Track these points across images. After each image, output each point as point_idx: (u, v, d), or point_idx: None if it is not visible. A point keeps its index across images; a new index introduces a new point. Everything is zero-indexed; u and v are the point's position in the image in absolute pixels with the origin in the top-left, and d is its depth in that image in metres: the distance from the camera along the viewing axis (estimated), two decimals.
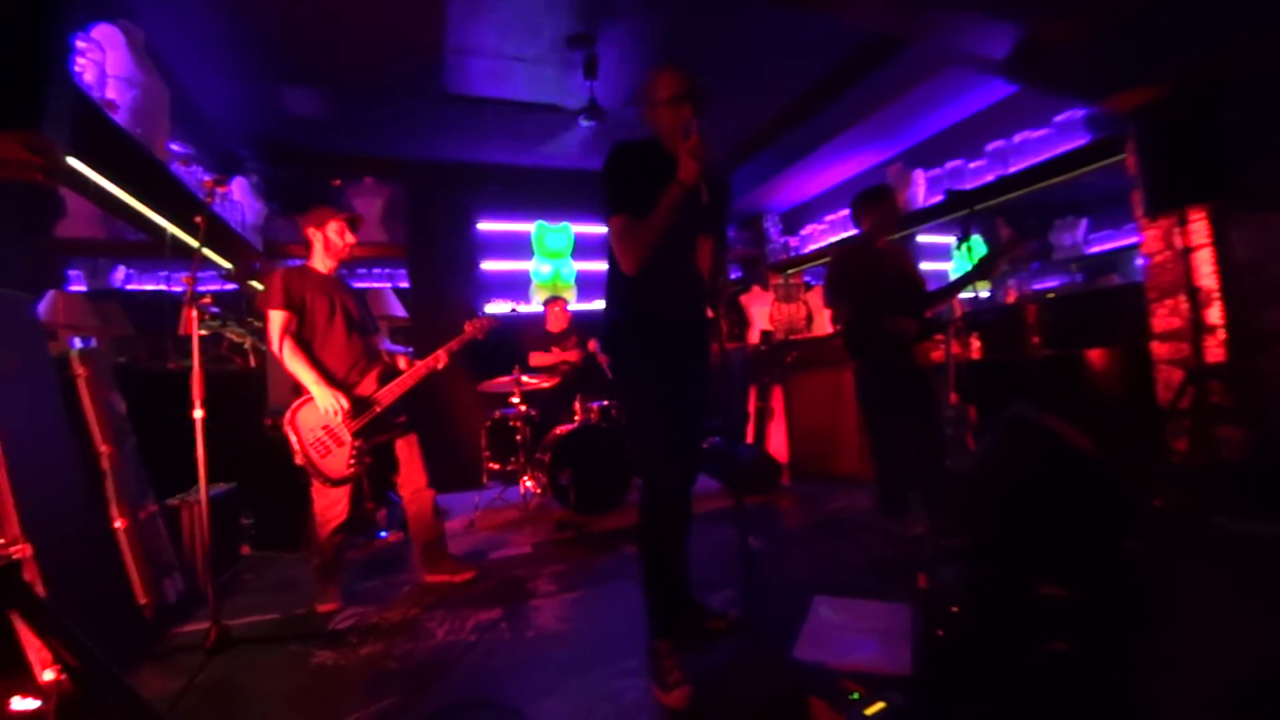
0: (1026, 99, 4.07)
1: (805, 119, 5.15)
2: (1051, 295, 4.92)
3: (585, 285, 6.19)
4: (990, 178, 4.35)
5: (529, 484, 4.15)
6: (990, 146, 4.39)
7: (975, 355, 4.03)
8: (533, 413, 4.25)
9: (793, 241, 6.67)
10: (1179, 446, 2.88)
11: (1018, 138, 4.20)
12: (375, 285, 5.88)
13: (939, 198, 4.84)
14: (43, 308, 3.80)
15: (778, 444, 4.85)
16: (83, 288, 5.30)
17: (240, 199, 4.61)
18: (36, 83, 1.19)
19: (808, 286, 5.92)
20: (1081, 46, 2.99)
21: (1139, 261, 3.33)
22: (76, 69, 2.58)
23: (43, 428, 2.08)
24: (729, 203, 2.16)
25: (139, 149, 2.92)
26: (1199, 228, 2.97)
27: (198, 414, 2.19)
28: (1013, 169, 4.21)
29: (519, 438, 4.16)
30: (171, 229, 3.73)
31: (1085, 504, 1.79)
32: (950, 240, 6.03)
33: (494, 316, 3.02)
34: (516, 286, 6.13)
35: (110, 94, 2.79)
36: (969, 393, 3.27)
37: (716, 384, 2.11)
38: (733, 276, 7.37)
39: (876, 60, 4.25)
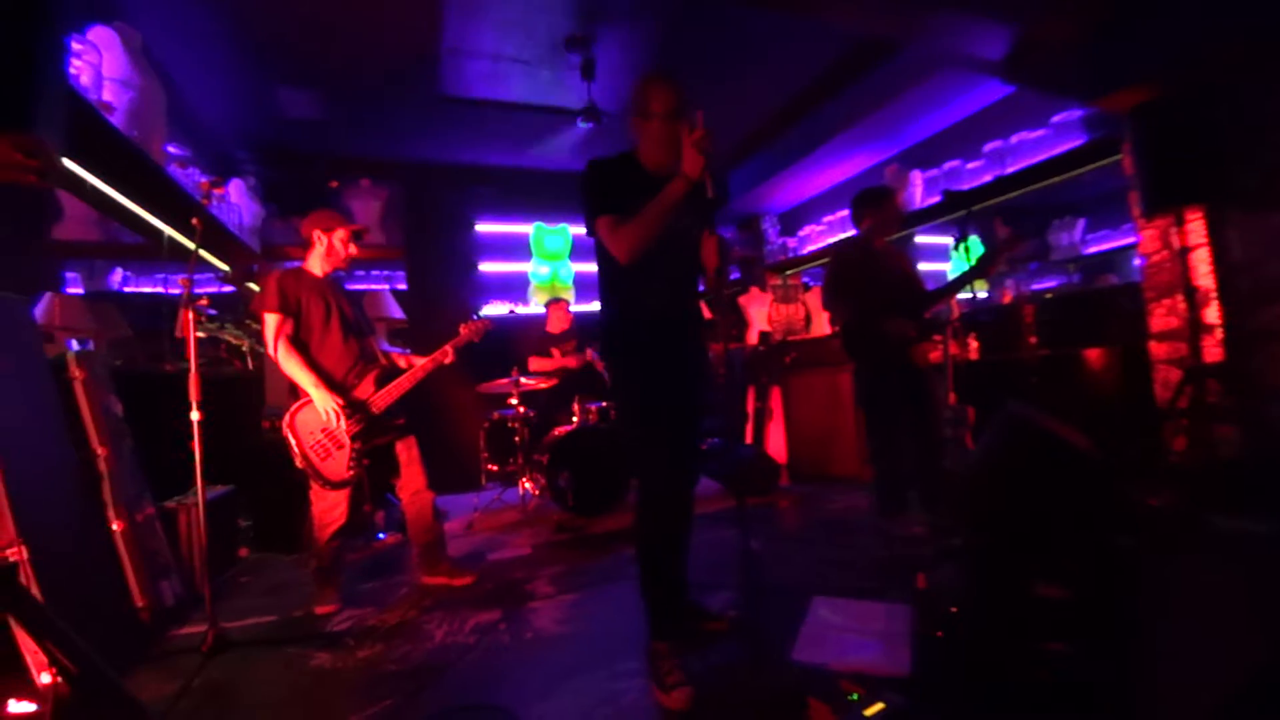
0: (1023, 100, 4.08)
1: (802, 120, 5.16)
2: (1049, 295, 4.93)
3: (583, 286, 6.20)
4: (988, 178, 4.37)
5: (528, 485, 4.15)
6: (987, 147, 4.40)
7: (973, 356, 4.03)
8: (531, 414, 4.25)
9: (791, 242, 6.68)
10: (1177, 446, 2.88)
11: (1015, 138, 4.22)
12: (373, 287, 5.88)
13: (936, 198, 4.84)
14: (39, 310, 3.79)
15: (776, 445, 4.85)
16: (80, 290, 5.29)
17: (237, 201, 4.60)
18: (30, 85, 1.18)
19: (806, 287, 5.93)
20: (1077, 47, 3.00)
21: (1136, 261, 3.33)
22: (73, 71, 2.58)
23: (39, 430, 2.08)
24: (724, 204, 2.17)
25: (135, 151, 2.92)
26: (1196, 228, 2.98)
27: (194, 416, 2.19)
28: (1010, 169, 4.22)
29: (517, 439, 4.16)
30: (168, 231, 3.73)
31: (1083, 504, 1.79)
32: (948, 241, 6.04)
33: (489, 319, 3.01)
34: (515, 288, 6.14)
35: (107, 96, 2.79)
36: (967, 393, 3.27)
37: (716, 384, 2.11)
38: (731, 278, 7.38)
39: (873, 61, 4.26)
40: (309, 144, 5.21)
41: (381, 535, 3.67)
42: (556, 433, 3.89)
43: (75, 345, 3.79)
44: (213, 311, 4.04)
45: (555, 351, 4.61)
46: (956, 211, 3.25)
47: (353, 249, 2.72)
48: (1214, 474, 2.74)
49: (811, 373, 4.71)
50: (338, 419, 2.50)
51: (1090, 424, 2.05)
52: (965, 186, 4.51)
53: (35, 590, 1.74)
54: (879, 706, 1.48)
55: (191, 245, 2.30)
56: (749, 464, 4.28)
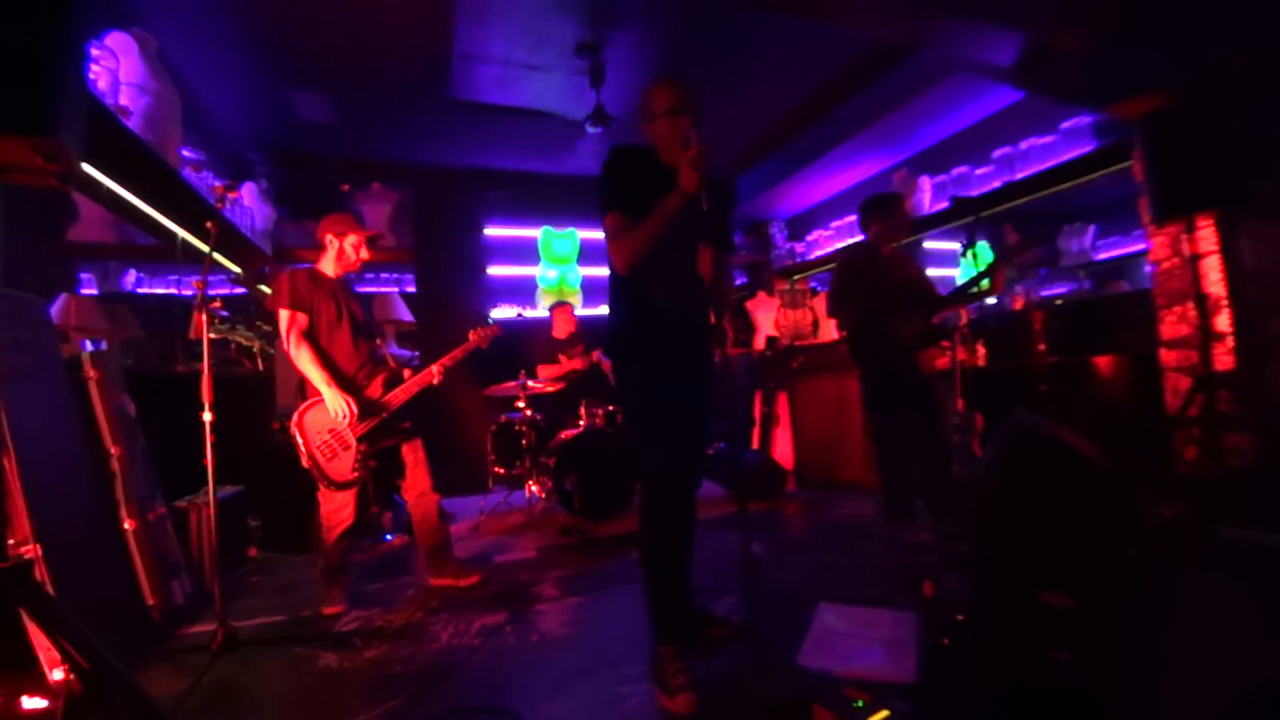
0: (1033, 105, 4.07)
1: (811, 125, 5.16)
2: (1059, 301, 4.90)
3: (591, 290, 6.22)
4: (997, 184, 4.35)
5: (534, 489, 4.16)
6: (997, 153, 4.38)
7: (981, 362, 4.02)
8: (538, 417, 4.26)
9: (798, 247, 6.67)
10: (1187, 455, 2.86)
11: (1024, 144, 4.20)
12: (382, 289, 5.92)
13: (945, 204, 4.83)
14: (55, 310, 3.84)
15: (783, 450, 4.84)
16: (94, 291, 5.35)
17: (250, 204, 4.65)
18: (52, 90, 1.20)
19: (814, 292, 5.92)
20: (1088, 54, 3.00)
21: (1147, 268, 3.31)
22: (91, 76, 2.62)
23: (54, 429, 2.11)
24: (732, 209, 2.19)
25: (152, 155, 2.96)
26: (1207, 235, 2.96)
27: (207, 416, 2.21)
28: (1019, 175, 4.20)
29: (524, 442, 4.17)
30: (182, 234, 3.77)
31: (1091, 513, 1.78)
32: (957, 246, 6.02)
33: (499, 325, 3.03)
34: (523, 291, 6.16)
35: (124, 100, 2.83)
36: (976, 400, 3.26)
37: (720, 389, 2.12)
38: (738, 282, 7.38)
39: (883, 67, 4.26)
40: (321, 147, 5.26)
41: (388, 537, 3.69)
42: (563, 436, 3.90)
43: (89, 345, 3.83)
44: (225, 313, 4.08)
45: (562, 357, 4.62)
46: (965, 217, 3.25)
47: (365, 254, 2.76)
48: (1224, 484, 2.72)
49: (819, 378, 4.70)
50: (346, 419, 2.52)
51: (1099, 432, 2.04)
52: (974, 192, 4.49)
53: (49, 587, 1.76)
54: (884, 713, 1.48)
55: (205, 248, 2.33)
56: (755, 469, 4.28)
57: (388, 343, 2.95)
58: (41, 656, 1.72)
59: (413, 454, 2.75)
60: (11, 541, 1.75)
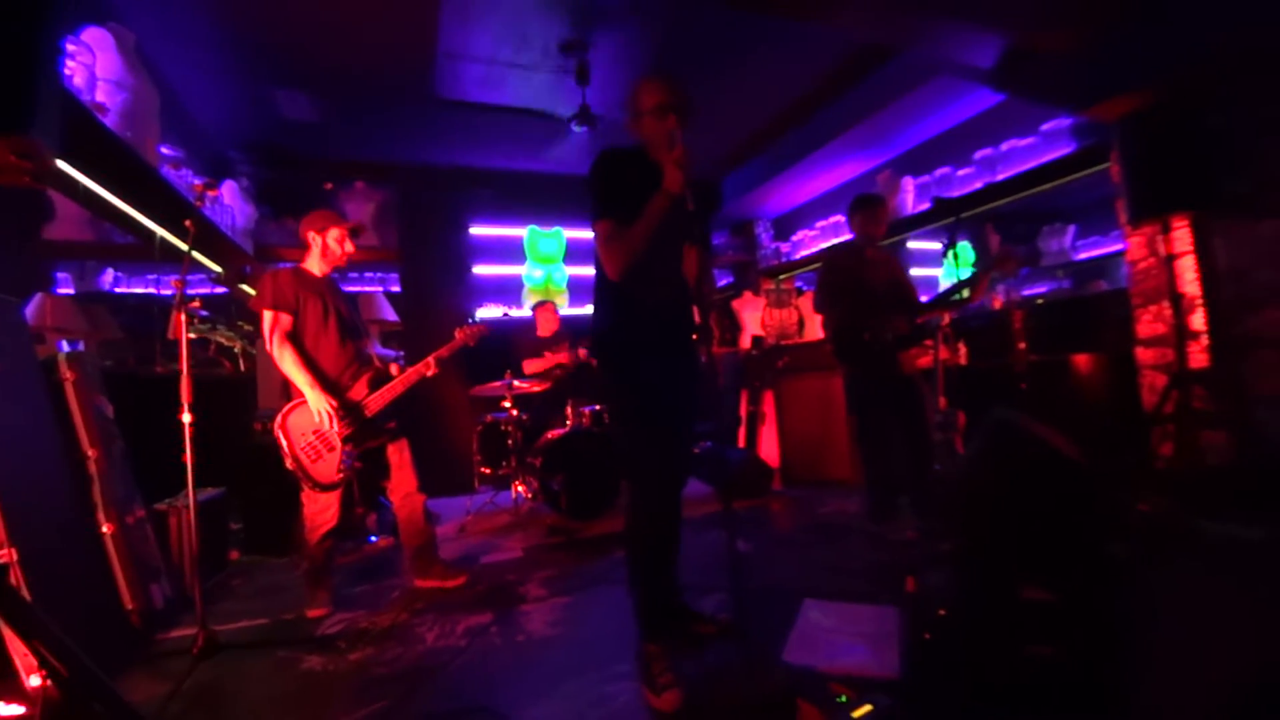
0: (1014, 108, 4.13)
1: (797, 126, 5.20)
2: (1039, 301, 4.97)
3: (577, 290, 6.21)
4: (978, 185, 4.40)
5: (520, 489, 4.15)
6: (978, 154, 4.44)
7: (963, 361, 4.06)
8: (524, 417, 4.25)
9: (784, 247, 6.71)
10: (1164, 451, 2.91)
11: (1005, 146, 4.25)
12: (367, 289, 5.87)
13: (928, 204, 4.88)
14: (30, 310, 3.77)
15: (769, 449, 4.87)
16: (70, 290, 5.26)
17: (230, 203, 4.59)
18: (25, 86, 1.19)
19: (799, 292, 5.96)
20: (1067, 56, 3.04)
21: (1125, 268, 3.37)
22: (66, 72, 2.57)
23: (29, 431, 2.07)
24: (717, 209, 2.20)
25: (128, 152, 2.91)
26: (1182, 235, 3.02)
27: (186, 418, 2.18)
28: (1000, 176, 4.26)
29: (510, 442, 4.16)
30: (161, 232, 3.71)
31: (1070, 508, 1.81)
32: (938, 246, 6.09)
33: (485, 324, 3.02)
34: (509, 291, 6.15)
35: (100, 97, 2.78)
36: (958, 398, 3.30)
37: (706, 388, 2.13)
38: (725, 282, 7.41)
39: (867, 68, 4.30)
40: (303, 146, 5.21)
41: (373, 538, 3.66)
42: (549, 436, 3.89)
43: (65, 346, 3.77)
44: (205, 313, 4.03)
45: (547, 354, 4.61)
46: (947, 218, 3.29)
47: (349, 247, 2.73)
48: (1202, 479, 2.78)
49: (804, 377, 4.73)
50: (330, 420, 2.50)
51: (1079, 429, 2.08)
52: (956, 193, 4.54)
53: (25, 592, 1.73)
54: (867, 708, 1.49)
55: (184, 246, 2.30)
56: (741, 467, 4.30)
57: (372, 343, 2.92)
58: (18, 663, 1.69)
59: (398, 454, 2.73)
60: None
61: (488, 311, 5.99)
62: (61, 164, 2.74)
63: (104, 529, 2.32)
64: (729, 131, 5.45)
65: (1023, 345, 3.48)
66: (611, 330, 1.93)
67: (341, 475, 2.54)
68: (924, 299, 3.17)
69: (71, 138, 2.58)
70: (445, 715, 1.74)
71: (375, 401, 2.63)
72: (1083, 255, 5.39)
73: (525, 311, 5.97)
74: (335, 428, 2.52)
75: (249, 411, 3.65)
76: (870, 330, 2.94)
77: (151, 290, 5.55)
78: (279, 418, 2.51)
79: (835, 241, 5.87)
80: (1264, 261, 2.82)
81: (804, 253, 6.40)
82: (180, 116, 4.21)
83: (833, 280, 3.10)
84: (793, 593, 2.35)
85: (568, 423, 4.05)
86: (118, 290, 5.53)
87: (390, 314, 4.91)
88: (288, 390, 2.56)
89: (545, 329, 4.75)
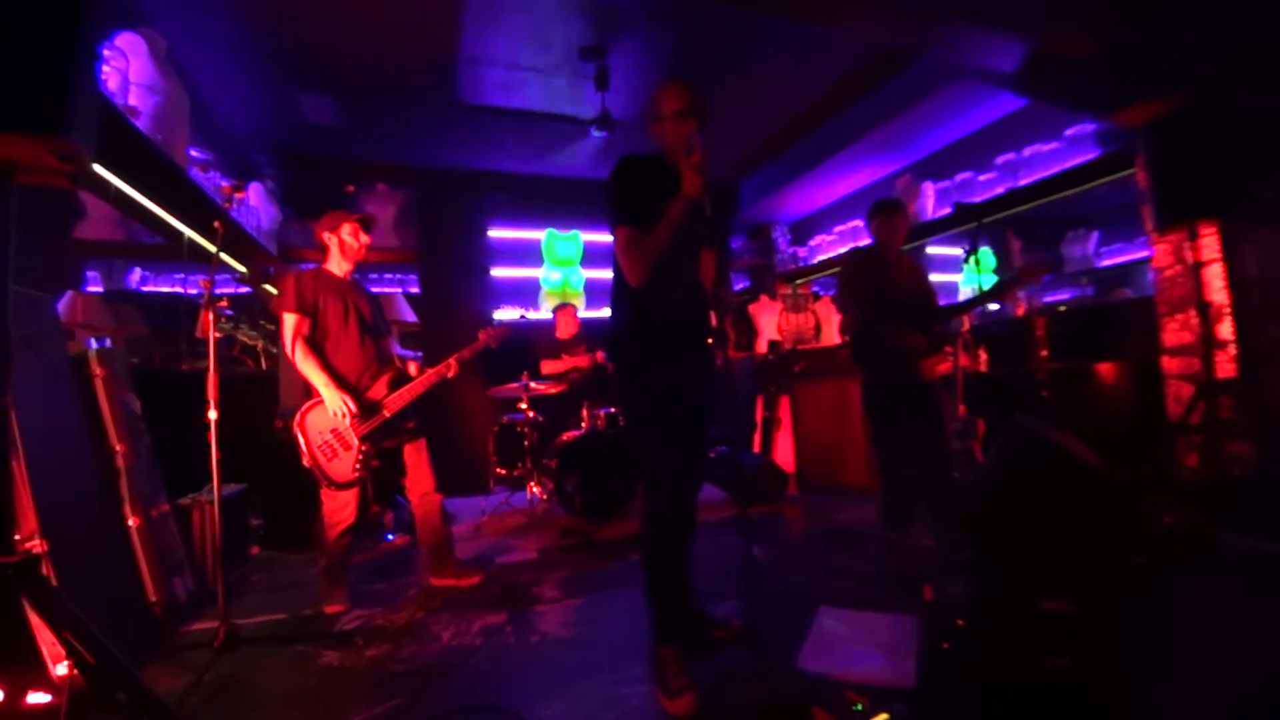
0: (1036, 112, 4.09)
1: (814, 130, 5.18)
2: (1062, 308, 4.90)
3: (594, 292, 6.23)
4: (1000, 190, 4.36)
5: (535, 490, 4.16)
6: (1000, 159, 4.39)
7: (983, 367, 4.02)
8: (540, 418, 4.27)
9: (801, 252, 6.69)
10: (1189, 462, 2.86)
11: (1028, 151, 4.21)
12: (386, 290, 5.93)
13: (948, 210, 4.84)
14: (61, 308, 3.86)
15: (784, 454, 4.85)
16: (99, 288, 5.38)
17: (256, 204, 4.68)
18: (66, 91, 1.22)
19: (816, 297, 5.93)
20: (1091, 61, 3.01)
21: (1150, 275, 3.32)
22: (101, 76, 2.64)
23: (60, 426, 2.12)
24: (734, 213, 2.21)
25: (160, 155, 2.98)
26: (1209, 242, 2.96)
27: (212, 415, 2.22)
28: (1023, 182, 4.21)
29: (526, 443, 4.18)
30: (189, 233, 3.79)
31: (1091, 519, 1.79)
32: (959, 252, 6.03)
33: (508, 325, 3.04)
34: (526, 293, 6.19)
35: (133, 101, 2.85)
36: (977, 405, 3.27)
37: (722, 392, 2.13)
38: (741, 286, 7.39)
39: (886, 72, 4.27)
40: (327, 149, 5.29)
41: (390, 536, 3.69)
42: (565, 437, 3.91)
43: (94, 343, 3.85)
44: (231, 313, 4.10)
45: (565, 356, 4.63)
46: (968, 223, 3.25)
47: (364, 238, 2.75)
48: (1227, 491, 2.72)
49: (820, 382, 4.70)
50: (347, 419, 2.53)
51: (1102, 439, 2.05)
52: (977, 199, 4.50)
53: (54, 582, 1.77)
54: (883, 717, 1.48)
55: (212, 247, 2.34)
56: (756, 473, 4.28)
57: (393, 342, 2.96)
58: (45, 651, 1.73)
59: (416, 454, 2.76)
60: (18, 536, 1.77)
61: (505, 313, 6.03)
62: (95, 166, 2.81)
63: (130, 522, 2.37)
64: (747, 135, 5.45)
65: (1045, 352, 3.43)
66: (628, 334, 1.94)
67: (357, 474, 2.57)
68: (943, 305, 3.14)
69: (105, 140, 2.63)
70: (459, 713, 1.75)
71: (394, 401, 2.66)
72: (1107, 262, 5.31)
73: (543, 314, 6.00)
74: (351, 427, 2.55)
75: (270, 409, 3.70)
76: (891, 338, 2.91)
77: (178, 289, 5.66)
78: (298, 416, 2.55)
79: (854, 246, 5.83)
80: None
81: (821, 257, 6.37)
82: (207, 119, 4.30)
83: (856, 276, 3.07)
84: (808, 599, 2.33)
85: (583, 425, 4.07)
86: (144, 289, 5.65)
87: (410, 315, 4.97)
88: (309, 389, 2.60)
89: (564, 331, 4.78)
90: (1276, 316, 2.81)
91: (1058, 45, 3.01)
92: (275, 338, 4.32)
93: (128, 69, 2.83)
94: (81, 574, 1.95)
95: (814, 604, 2.27)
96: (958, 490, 2.93)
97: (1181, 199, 2.68)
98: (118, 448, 2.42)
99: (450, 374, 2.77)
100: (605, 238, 6.04)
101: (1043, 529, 1.83)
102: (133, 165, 2.97)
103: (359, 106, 4.56)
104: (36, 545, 1.79)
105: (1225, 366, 2.92)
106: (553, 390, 4.31)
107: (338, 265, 2.74)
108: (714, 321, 2.03)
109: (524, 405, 4.18)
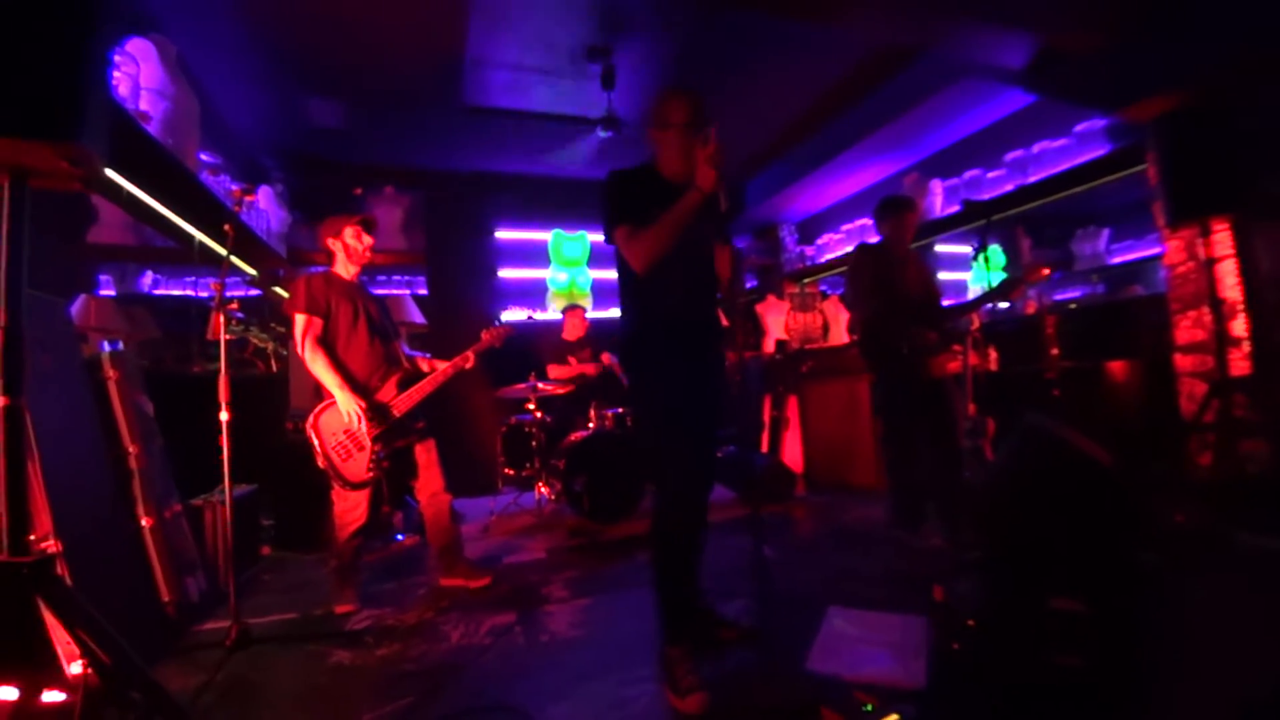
0: (1045, 109, 4.05)
1: (821, 128, 5.16)
2: (1073, 306, 4.86)
3: (601, 293, 6.24)
4: (1009, 187, 4.33)
5: (544, 490, 4.17)
6: (1009, 156, 4.36)
7: (993, 366, 3.99)
8: (548, 419, 4.28)
9: (808, 251, 6.66)
10: (1202, 461, 2.83)
11: (1037, 148, 4.18)
12: (394, 292, 5.96)
13: (956, 207, 4.81)
14: (74, 311, 3.91)
15: (793, 453, 4.83)
16: (111, 292, 5.43)
17: (265, 207, 4.71)
18: (78, 96, 1.24)
19: (824, 296, 5.91)
20: (1100, 56, 2.98)
21: (1162, 272, 3.28)
22: (112, 82, 2.67)
23: (74, 428, 2.15)
24: (740, 212, 2.21)
25: (171, 159, 3.01)
26: (1222, 239, 2.93)
27: (224, 416, 2.24)
28: (1032, 178, 4.18)
29: (534, 444, 4.19)
30: (200, 236, 3.83)
31: (1102, 518, 1.77)
32: (968, 250, 5.99)
33: (511, 325, 3.05)
34: (533, 294, 6.20)
35: (143, 106, 2.88)
36: (987, 404, 3.24)
37: (732, 391, 2.12)
38: (748, 286, 7.38)
39: (893, 69, 4.25)
40: (334, 152, 5.33)
41: (400, 537, 3.71)
42: (573, 438, 3.91)
43: (106, 346, 3.90)
44: (241, 315, 4.14)
45: (572, 359, 4.64)
46: (976, 221, 3.23)
47: (367, 239, 2.77)
48: (1240, 490, 2.69)
49: (829, 381, 4.69)
50: (359, 421, 2.54)
51: (1113, 437, 2.03)
52: (986, 196, 4.47)
53: (68, 582, 1.79)
54: (893, 717, 1.48)
55: (222, 250, 2.36)
56: (765, 472, 4.28)
57: (401, 344, 2.97)
58: (59, 650, 1.75)
59: (426, 454, 2.78)
60: (33, 537, 1.79)
61: (513, 314, 6.05)
62: (107, 170, 2.84)
63: (143, 523, 2.39)
64: (753, 134, 5.43)
65: (1055, 351, 3.41)
66: (637, 334, 1.94)
67: (371, 474, 2.59)
68: (948, 304, 3.12)
69: (117, 145, 2.67)
70: (469, 713, 1.76)
71: (403, 402, 2.68)
72: (1118, 259, 5.25)
73: (550, 315, 6.01)
74: (364, 428, 2.56)
75: (280, 410, 3.73)
76: (904, 338, 2.89)
77: (189, 292, 5.71)
78: (311, 417, 2.56)
79: (861, 243, 5.81)
80: None
81: (828, 256, 6.34)
82: (217, 124, 4.33)
83: (866, 269, 3.05)
84: (817, 599, 2.33)
85: (591, 425, 4.07)
86: (156, 292, 5.70)
87: (418, 316, 4.99)
88: (319, 391, 2.62)
89: (572, 333, 4.79)
90: None
91: (1066, 41, 2.99)
92: (285, 340, 4.36)
93: (138, 75, 2.85)
94: (95, 574, 1.97)
95: (823, 604, 2.27)
96: (968, 489, 2.91)
97: (1193, 195, 2.66)
98: (130, 449, 2.44)
99: (467, 365, 2.80)
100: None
101: (1054, 528, 1.82)
102: (144, 169, 3.00)
103: (366, 110, 4.59)
104: (51, 545, 1.81)
105: (1239, 364, 2.89)
106: (560, 391, 4.32)
107: (344, 269, 2.76)
108: (724, 321, 2.03)
109: (532, 406, 4.19)
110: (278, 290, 5.16)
